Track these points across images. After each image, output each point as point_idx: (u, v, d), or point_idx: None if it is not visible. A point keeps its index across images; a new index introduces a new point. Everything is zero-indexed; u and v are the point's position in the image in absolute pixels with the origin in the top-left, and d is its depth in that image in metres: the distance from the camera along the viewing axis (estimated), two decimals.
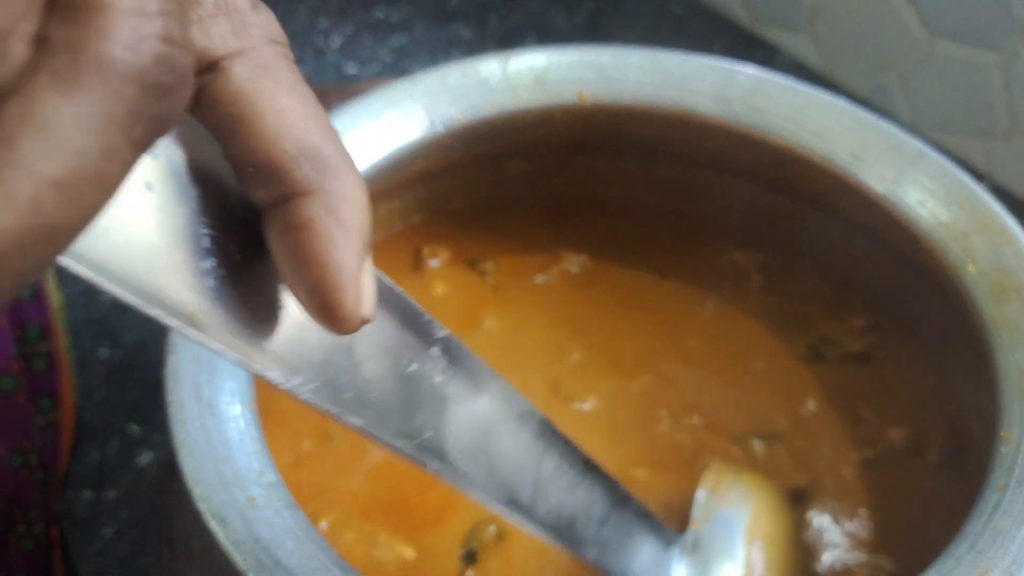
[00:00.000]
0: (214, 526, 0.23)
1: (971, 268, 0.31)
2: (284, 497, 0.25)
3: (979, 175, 0.67)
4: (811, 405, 0.37)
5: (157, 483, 0.34)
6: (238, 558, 0.22)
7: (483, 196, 0.46)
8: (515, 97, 0.38)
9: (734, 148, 0.38)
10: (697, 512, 0.30)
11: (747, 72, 0.38)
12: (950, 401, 0.34)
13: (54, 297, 0.49)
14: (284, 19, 0.67)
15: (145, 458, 0.50)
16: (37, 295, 0.48)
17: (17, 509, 0.43)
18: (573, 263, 0.43)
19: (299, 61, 0.66)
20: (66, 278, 0.60)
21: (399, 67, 0.78)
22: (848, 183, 0.35)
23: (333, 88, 0.68)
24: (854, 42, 0.72)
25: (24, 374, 0.44)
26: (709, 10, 0.84)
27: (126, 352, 0.55)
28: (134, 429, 0.51)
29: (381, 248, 0.44)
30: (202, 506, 0.23)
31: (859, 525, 0.32)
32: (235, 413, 0.26)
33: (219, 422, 0.26)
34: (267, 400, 0.33)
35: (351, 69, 0.78)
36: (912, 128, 0.70)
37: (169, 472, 0.32)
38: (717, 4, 0.84)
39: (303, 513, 0.24)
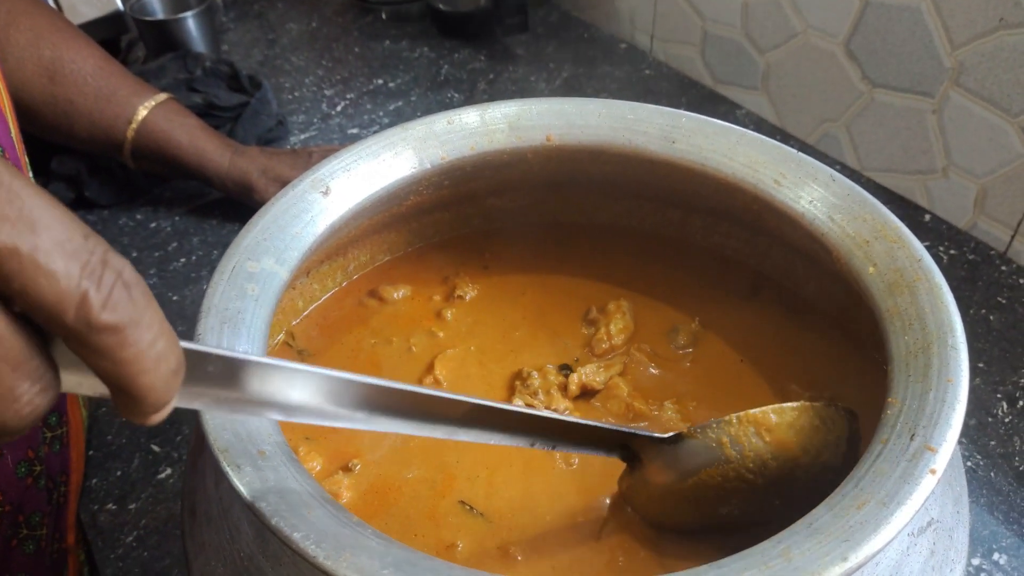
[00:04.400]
0: (230, 470, 0.28)
1: (871, 270, 0.37)
2: (287, 452, 0.30)
3: (922, 210, 0.73)
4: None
5: (184, 467, 0.38)
6: (247, 493, 0.27)
7: (469, 228, 0.52)
8: (492, 140, 0.45)
9: (679, 180, 0.45)
10: None
11: (688, 116, 0.45)
12: (857, 375, 0.39)
13: None
14: (294, 88, 0.78)
15: (164, 473, 0.54)
16: None
17: (21, 515, 0.47)
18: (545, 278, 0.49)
19: (306, 126, 0.75)
20: None
21: None
22: (774, 205, 0.41)
23: (338, 147, 0.75)
24: (803, 96, 0.79)
25: None
26: (676, 72, 0.92)
27: None
28: (155, 448, 0.56)
29: (380, 272, 0.51)
30: (221, 456, 0.28)
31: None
32: None
33: None
34: None
35: (353, 130, 0.85)
36: (859, 171, 0.77)
37: (196, 450, 0.38)
38: (683, 67, 0.92)
39: (302, 465, 0.29)
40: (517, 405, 0.31)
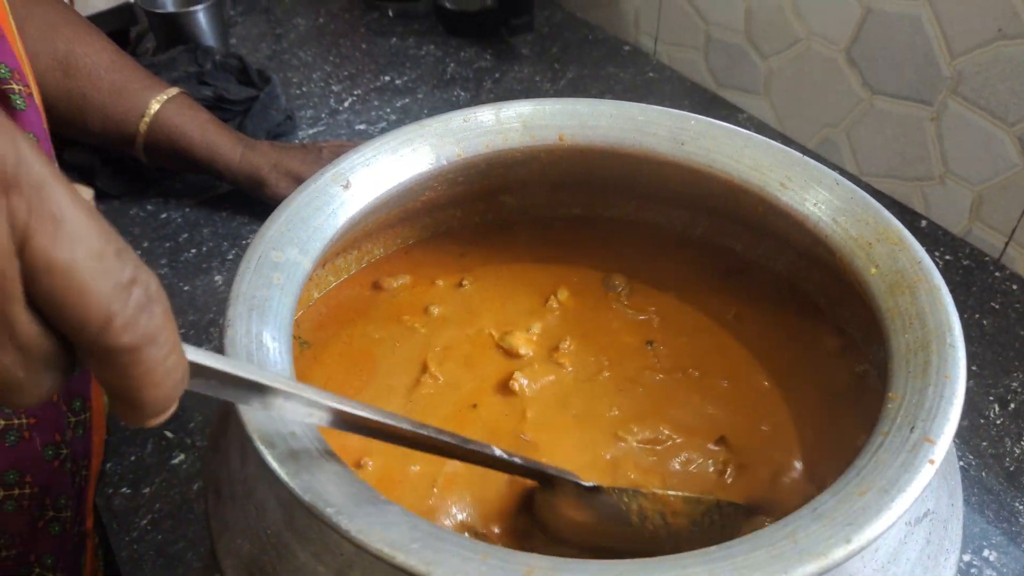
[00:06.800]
0: (263, 449, 0.29)
1: (873, 271, 0.38)
2: (316, 433, 0.31)
3: (919, 216, 0.75)
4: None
5: (207, 449, 0.39)
6: (282, 471, 0.28)
7: (481, 223, 0.53)
8: (506, 139, 0.46)
9: (687, 181, 0.46)
10: None
11: (696, 118, 0.46)
12: (858, 370, 0.41)
13: None
14: (301, 83, 0.80)
15: (178, 459, 0.55)
16: None
17: (48, 497, 0.48)
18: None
19: (315, 120, 0.77)
20: None
21: (403, 125, 0.87)
22: (779, 207, 0.43)
23: (347, 143, 0.76)
24: (804, 101, 0.81)
25: None
26: (679, 75, 0.94)
27: None
28: (168, 434, 0.57)
29: (395, 259, 0.52)
30: (255, 435, 0.29)
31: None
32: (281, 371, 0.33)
33: None
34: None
35: (360, 126, 0.86)
36: (857, 176, 0.79)
37: (218, 432, 0.39)
38: (686, 70, 0.93)
39: (330, 445, 0.31)
40: (477, 445, 0.33)
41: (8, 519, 0.46)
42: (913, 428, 0.30)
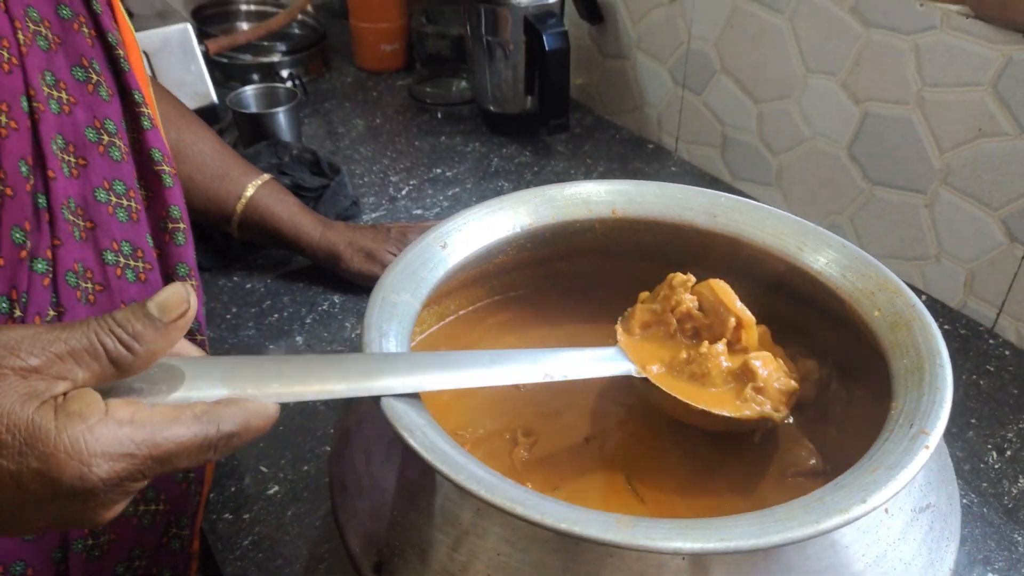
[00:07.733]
0: (405, 435, 0.37)
1: (876, 314, 0.47)
2: (438, 428, 0.39)
3: (918, 291, 0.84)
4: None
5: (331, 458, 0.47)
6: (422, 451, 0.37)
7: (537, 290, 0.63)
8: (569, 212, 0.56)
9: (719, 247, 0.55)
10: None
11: (726, 196, 0.56)
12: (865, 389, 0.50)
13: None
14: (363, 174, 0.95)
15: (272, 490, 0.63)
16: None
17: (173, 515, 0.56)
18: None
19: (376, 206, 0.91)
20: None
21: (454, 211, 0.97)
22: (796, 267, 0.52)
23: (410, 224, 0.86)
24: (812, 192, 0.91)
25: None
26: (699, 169, 1.05)
27: None
28: (263, 469, 0.65)
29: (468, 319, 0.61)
30: (398, 424, 0.38)
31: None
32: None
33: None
34: None
35: (417, 211, 0.97)
36: None
37: (340, 446, 0.47)
38: (705, 165, 1.05)
39: (448, 435, 0.39)
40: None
41: (143, 533, 0.53)
42: (912, 425, 0.39)
